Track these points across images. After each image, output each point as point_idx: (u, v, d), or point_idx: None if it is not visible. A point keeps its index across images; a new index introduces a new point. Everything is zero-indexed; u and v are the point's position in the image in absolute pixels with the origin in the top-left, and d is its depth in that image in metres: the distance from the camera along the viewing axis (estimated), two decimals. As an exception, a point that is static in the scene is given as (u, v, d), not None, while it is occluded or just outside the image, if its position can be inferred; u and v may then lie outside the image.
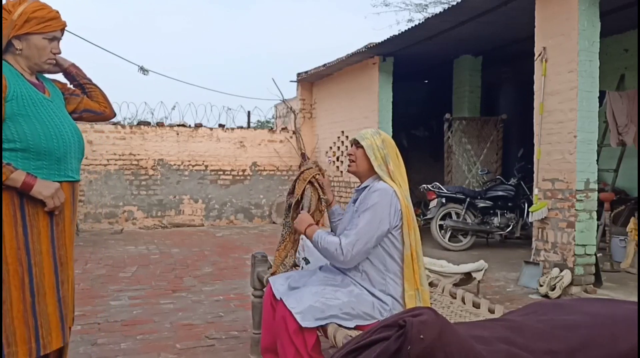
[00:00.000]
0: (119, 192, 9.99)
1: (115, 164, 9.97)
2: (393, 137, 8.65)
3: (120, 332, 3.78)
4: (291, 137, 11.22)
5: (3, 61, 2.11)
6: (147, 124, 10.38)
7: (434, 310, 1.43)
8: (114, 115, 2.54)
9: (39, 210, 2.06)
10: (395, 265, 2.40)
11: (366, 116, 9.01)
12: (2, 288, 2.00)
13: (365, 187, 2.51)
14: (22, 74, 2.14)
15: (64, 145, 2.14)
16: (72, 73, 2.43)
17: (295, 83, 11.54)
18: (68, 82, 2.46)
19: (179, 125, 10.53)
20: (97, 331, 3.77)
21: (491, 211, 7.80)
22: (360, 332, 2.03)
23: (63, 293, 2.14)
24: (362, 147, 2.51)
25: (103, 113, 2.48)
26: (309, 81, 11.31)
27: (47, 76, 2.35)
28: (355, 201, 2.57)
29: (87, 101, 2.43)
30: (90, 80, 2.47)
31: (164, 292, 4.98)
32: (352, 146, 2.59)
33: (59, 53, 2.22)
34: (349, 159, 2.59)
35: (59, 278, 2.12)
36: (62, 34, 2.22)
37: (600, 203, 5.56)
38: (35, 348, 2.02)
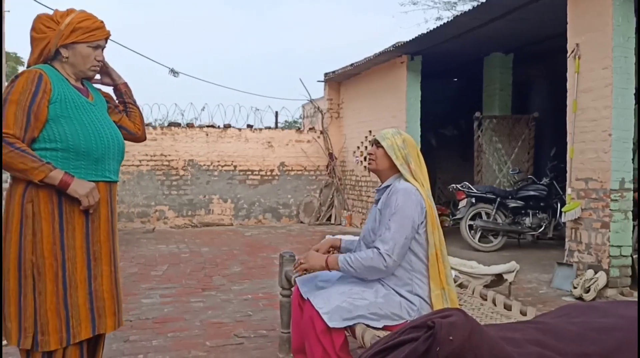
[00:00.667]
0: (151, 192, 10.17)
1: (147, 165, 10.15)
2: (421, 136, 8.67)
3: (152, 330, 3.85)
4: (319, 137, 11.23)
5: (51, 67, 2.23)
6: (178, 125, 10.54)
7: (463, 311, 1.41)
8: (145, 138, 2.63)
9: (75, 208, 2.16)
10: (420, 264, 2.38)
11: (394, 115, 8.96)
12: (11, 281, 2.13)
13: (387, 187, 2.50)
14: (67, 80, 2.25)
15: (103, 147, 2.23)
16: (122, 91, 2.53)
17: (323, 83, 11.56)
18: (114, 97, 2.57)
19: (208, 126, 10.66)
20: (130, 328, 3.84)
21: (523, 211, 7.66)
22: (388, 332, 2.02)
23: (95, 286, 2.22)
24: (382, 147, 2.50)
25: (136, 134, 2.56)
26: (336, 80, 11.31)
27: (95, 85, 2.47)
28: (377, 201, 2.55)
29: (125, 119, 2.52)
30: (134, 101, 2.58)
31: (194, 291, 5.05)
32: (372, 145, 2.59)
33: (103, 60, 2.33)
34: (369, 158, 2.59)
35: (91, 272, 2.21)
36: (106, 43, 2.33)
37: (636, 203, 5.41)
38: (65, 337, 2.13)
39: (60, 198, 2.13)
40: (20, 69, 17.30)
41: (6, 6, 5.79)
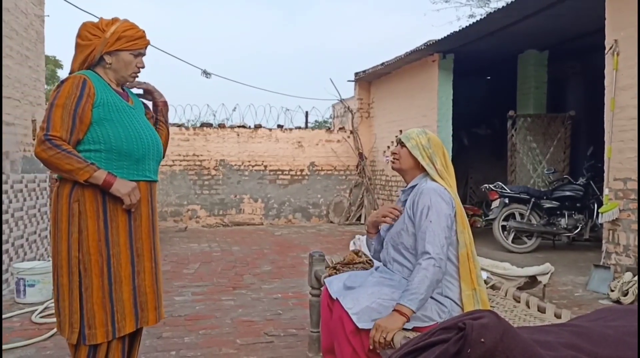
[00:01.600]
0: (184, 191, 10.33)
1: (180, 165, 10.32)
2: (453, 135, 8.56)
3: (184, 327, 3.91)
4: (349, 137, 11.22)
5: (94, 73, 2.33)
6: (209, 125, 10.69)
7: (495, 313, 1.39)
8: (164, 157, 2.64)
9: (118, 206, 2.26)
10: (451, 265, 2.35)
11: (425, 114, 8.87)
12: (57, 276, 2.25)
13: (413, 187, 2.47)
14: (109, 85, 2.36)
15: (143, 147, 2.33)
16: (159, 107, 2.63)
17: (353, 82, 11.53)
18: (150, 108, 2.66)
19: (239, 126, 10.77)
20: (162, 325, 3.91)
21: (558, 212, 7.49)
22: (419, 333, 2.01)
23: (138, 282, 2.32)
24: (407, 147, 2.48)
25: None
26: (366, 80, 11.27)
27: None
28: (404, 202, 2.52)
29: None
30: (166, 121, 2.66)
31: (225, 289, 5.11)
32: (396, 145, 2.57)
33: (143, 67, 2.43)
34: (393, 158, 2.56)
35: (135, 268, 2.31)
36: (146, 51, 2.43)
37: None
38: (111, 331, 2.22)
39: (104, 197, 2.23)
40: (60, 72, 17.81)
41: (46, 11, 5.96)
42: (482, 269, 3.60)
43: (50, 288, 4.65)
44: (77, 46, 2.33)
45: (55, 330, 3.70)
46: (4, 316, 4.03)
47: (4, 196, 4.67)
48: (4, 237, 4.69)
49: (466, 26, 7.23)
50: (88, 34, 2.30)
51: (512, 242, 7.38)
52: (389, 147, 10.30)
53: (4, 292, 4.67)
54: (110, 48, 2.29)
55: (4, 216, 4.68)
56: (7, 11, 4.81)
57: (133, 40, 2.32)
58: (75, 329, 2.19)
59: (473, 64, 9.39)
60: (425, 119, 8.78)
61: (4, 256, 4.69)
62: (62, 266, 2.21)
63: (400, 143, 2.53)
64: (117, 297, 2.24)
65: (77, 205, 2.20)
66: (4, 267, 4.71)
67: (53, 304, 2.32)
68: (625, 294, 4.63)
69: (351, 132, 11.25)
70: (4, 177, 4.70)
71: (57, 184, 2.29)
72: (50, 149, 2.14)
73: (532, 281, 4.38)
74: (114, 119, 2.27)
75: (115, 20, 2.35)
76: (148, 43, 2.41)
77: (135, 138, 2.30)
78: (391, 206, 2.54)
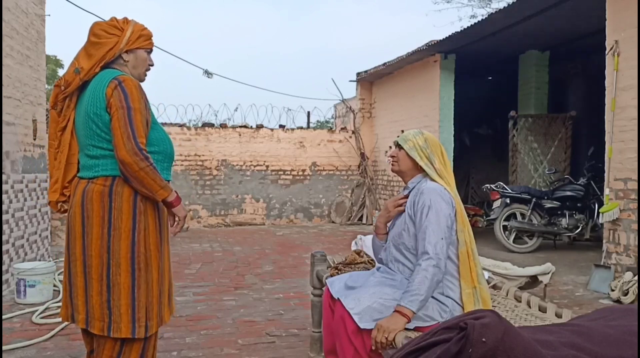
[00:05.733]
0: (185, 191, 10.33)
1: (181, 165, 10.33)
2: (455, 135, 8.55)
3: (185, 327, 3.92)
4: (350, 137, 11.22)
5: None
6: (211, 125, 10.69)
7: (496, 313, 1.39)
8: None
9: (164, 207, 2.36)
10: (451, 265, 2.35)
11: (427, 114, 8.88)
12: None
13: (413, 188, 2.48)
14: None
15: (172, 149, 2.45)
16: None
17: (355, 83, 11.54)
18: None
19: (241, 126, 10.77)
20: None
21: (559, 212, 7.49)
22: (420, 333, 2.01)
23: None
24: (404, 149, 2.49)
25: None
26: (368, 80, 11.28)
27: None
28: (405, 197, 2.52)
29: None
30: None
31: (227, 289, 5.11)
32: (395, 147, 2.57)
33: (153, 65, 2.50)
34: (392, 160, 2.57)
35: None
36: None
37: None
38: (158, 321, 2.35)
39: (160, 214, 2.34)
40: (60, 71, 17.79)
41: (47, 10, 5.97)
42: (484, 269, 3.61)
43: (50, 288, 4.66)
44: (92, 44, 2.31)
45: (55, 330, 3.71)
46: (4, 316, 4.03)
47: (4, 196, 4.68)
48: (5, 237, 4.70)
49: (468, 27, 7.23)
50: (104, 32, 2.31)
51: (514, 242, 7.38)
52: (390, 147, 10.30)
53: (4, 293, 4.68)
54: (132, 46, 2.34)
55: (5, 216, 4.68)
56: (8, 10, 4.82)
57: (149, 40, 2.41)
58: (142, 323, 2.24)
59: (474, 65, 9.39)
60: (427, 119, 8.79)
61: (5, 257, 4.69)
62: (121, 264, 2.20)
63: (398, 145, 2.54)
64: (163, 289, 2.35)
65: (143, 203, 2.25)
66: (5, 267, 4.72)
67: (78, 303, 2.25)
68: (626, 294, 4.63)
69: (353, 132, 11.25)
70: (4, 177, 4.70)
71: (110, 181, 2.22)
72: (143, 161, 2.13)
73: (533, 281, 4.39)
74: (155, 121, 2.35)
75: (128, 20, 2.39)
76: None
77: (170, 140, 2.42)
78: (396, 198, 2.56)
